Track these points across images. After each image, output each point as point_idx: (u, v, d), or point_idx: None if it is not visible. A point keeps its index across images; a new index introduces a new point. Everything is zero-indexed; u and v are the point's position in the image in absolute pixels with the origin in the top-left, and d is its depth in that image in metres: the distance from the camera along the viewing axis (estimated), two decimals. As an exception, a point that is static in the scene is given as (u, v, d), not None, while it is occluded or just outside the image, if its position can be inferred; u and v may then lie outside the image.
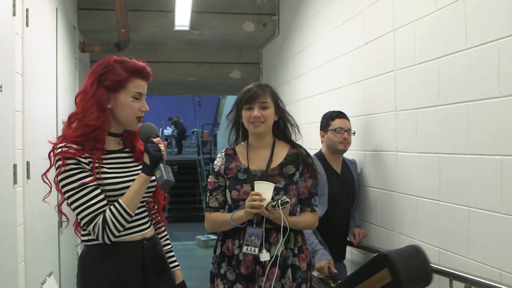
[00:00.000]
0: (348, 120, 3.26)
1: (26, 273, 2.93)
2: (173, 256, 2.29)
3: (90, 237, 1.98)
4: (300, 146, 2.51)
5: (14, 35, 2.78)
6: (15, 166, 2.73)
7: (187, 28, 5.46)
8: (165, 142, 2.05)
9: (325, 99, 4.10)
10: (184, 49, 6.48)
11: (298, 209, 2.49)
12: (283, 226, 2.27)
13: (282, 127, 2.51)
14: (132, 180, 1.99)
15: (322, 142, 3.30)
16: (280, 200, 2.23)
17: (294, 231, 2.41)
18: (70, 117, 2.03)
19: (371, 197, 3.27)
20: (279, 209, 2.22)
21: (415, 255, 2.34)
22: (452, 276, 2.34)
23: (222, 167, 2.48)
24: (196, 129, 19.30)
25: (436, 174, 2.54)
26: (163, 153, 1.97)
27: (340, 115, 3.26)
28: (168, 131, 19.67)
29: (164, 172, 1.92)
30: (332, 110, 3.34)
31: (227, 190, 2.45)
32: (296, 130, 2.53)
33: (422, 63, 2.66)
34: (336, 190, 3.16)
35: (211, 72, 6.70)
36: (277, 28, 5.65)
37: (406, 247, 2.53)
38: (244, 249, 2.32)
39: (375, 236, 3.20)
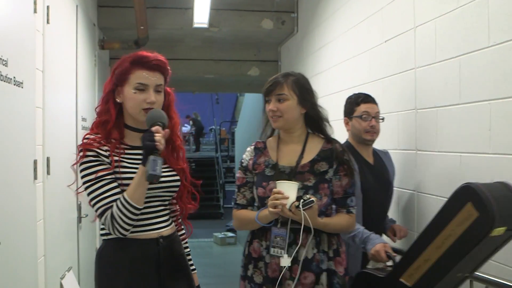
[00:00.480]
0: (376, 104, 2.87)
1: (46, 267, 2.96)
2: (190, 259, 2.26)
3: (107, 231, 1.99)
4: (336, 141, 2.32)
5: (35, 32, 2.81)
6: (35, 162, 2.75)
7: (205, 26, 5.47)
8: (166, 130, 1.94)
9: (344, 97, 4.05)
10: (202, 46, 6.49)
11: (334, 210, 2.31)
12: (309, 228, 2.10)
13: (315, 120, 2.31)
14: None
15: (347, 130, 2.93)
16: (302, 200, 2.07)
17: (328, 233, 2.24)
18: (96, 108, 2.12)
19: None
20: (302, 210, 2.06)
21: (504, 189, 1.86)
22: (472, 277, 2.31)
23: (251, 162, 2.34)
24: (214, 127, 19.36)
25: (457, 173, 2.51)
26: (157, 143, 1.85)
27: (367, 98, 2.86)
28: (186, 128, 19.76)
29: (151, 165, 1.82)
30: (357, 93, 2.97)
31: (254, 187, 2.31)
32: (328, 125, 2.33)
33: (443, 61, 2.62)
34: (369, 182, 2.78)
35: (229, 70, 6.70)
36: (295, 25, 5.63)
37: (491, 182, 2.03)
38: (271, 251, 2.19)
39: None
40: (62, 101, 3.51)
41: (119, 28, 5.49)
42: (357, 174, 2.57)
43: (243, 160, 2.38)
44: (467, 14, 2.42)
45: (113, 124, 2.00)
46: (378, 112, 2.84)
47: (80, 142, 2.01)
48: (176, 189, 2.09)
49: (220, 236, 10.17)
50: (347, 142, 2.89)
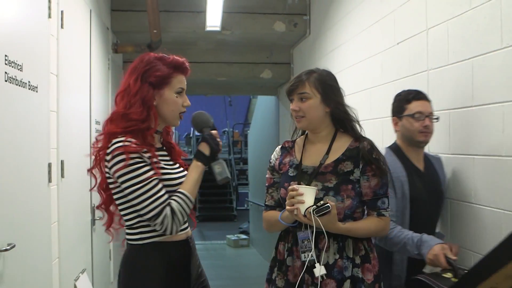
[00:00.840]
0: (429, 101, 2.60)
1: (60, 269, 2.99)
2: None
3: (141, 236, 1.98)
4: (365, 139, 2.17)
5: (49, 37, 2.84)
6: (49, 165, 2.79)
7: (218, 29, 5.49)
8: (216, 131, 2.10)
9: (356, 99, 4.06)
10: (215, 49, 6.51)
11: (365, 214, 2.19)
12: (331, 232, 2.02)
13: (341, 118, 2.20)
14: (180, 177, 2.04)
15: (396, 131, 2.66)
16: (315, 206, 1.95)
17: (354, 238, 2.10)
18: (111, 115, 2.04)
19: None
20: (314, 216, 1.95)
21: None
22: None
23: (277, 161, 2.28)
24: (227, 129, 19.39)
25: (470, 175, 2.49)
26: (220, 147, 2.04)
27: (419, 95, 2.59)
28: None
29: (224, 169, 2.00)
30: (407, 89, 2.69)
31: (279, 187, 2.24)
32: (355, 123, 2.21)
33: (455, 63, 2.61)
34: (419, 191, 2.50)
35: (242, 72, 6.72)
36: (308, 28, 5.63)
37: None
38: (302, 257, 2.06)
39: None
40: (76, 104, 3.55)
41: (132, 32, 5.53)
42: (406, 182, 2.46)
43: (271, 160, 2.32)
44: (480, 16, 2.41)
45: (153, 131, 2.02)
46: (431, 112, 2.58)
47: (118, 146, 1.92)
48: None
49: (233, 238, 10.19)
50: (395, 144, 2.66)
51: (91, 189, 2.14)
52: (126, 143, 1.91)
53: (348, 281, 2.05)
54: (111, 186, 2.00)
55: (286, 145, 2.31)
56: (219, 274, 7.29)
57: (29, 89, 2.45)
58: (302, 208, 1.98)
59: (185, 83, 2.08)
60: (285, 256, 2.16)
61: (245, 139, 17.55)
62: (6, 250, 2.10)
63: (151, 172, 1.93)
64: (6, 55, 2.18)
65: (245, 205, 11.23)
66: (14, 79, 2.26)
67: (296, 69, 6.34)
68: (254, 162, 10.83)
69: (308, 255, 2.03)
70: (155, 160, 1.96)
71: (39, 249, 2.63)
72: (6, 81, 2.19)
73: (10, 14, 2.30)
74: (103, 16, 4.76)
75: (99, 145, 2.00)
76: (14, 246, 2.15)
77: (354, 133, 2.19)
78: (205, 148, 2.02)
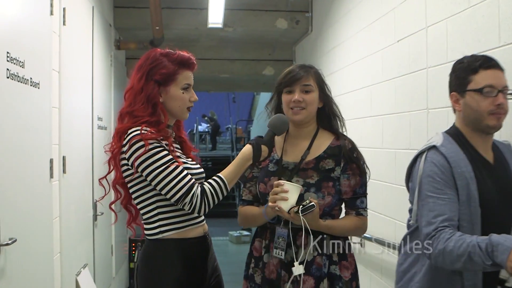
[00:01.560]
0: (503, 71, 1.93)
1: (62, 264, 3.02)
2: None
3: (160, 230, 2.00)
4: (346, 138, 2.18)
5: (51, 34, 2.87)
6: (51, 161, 2.81)
7: (220, 26, 5.50)
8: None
9: (357, 96, 4.08)
10: (217, 46, 6.53)
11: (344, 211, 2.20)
12: (307, 231, 1.99)
13: (327, 116, 2.20)
14: (197, 169, 2.07)
15: (455, 111, 2.02)
16: (301, 206, 1.95)
17: (332, 235, 2.10)
18: (119, 115, 2.07)
19: (402, 195, 3.24)
20: (301, 215, 1.94)
21: None
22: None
23: None
24: (230, 126, 19.41)
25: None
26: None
27: (489, 63, 1.91)
28: (202, 127, 19.84)
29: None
30: (472, 55, 2.01)
31: (257, 182, 2.23)
32: (340, 123, 2.23)
33: (454, 60, 2.61)
34: (489, 191, 1.87)
35: (244, 69, 6.74)
36: (310, 25, 5.64)
37: None
38: (274, 252, 2.09)
39: (403, 235, 3.17)
40: (78, 101, 3.58)
41: (135, 29, 5.55)
42: (472, 179, 1.84)
43: None
44: (478, 14, 2.42)
45: (165, 124, 2.04)
46: (506, 86, 1.91)
47: (135, 134, 1.94)
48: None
49: (235, 234, 10.20)
50: (454, 128, 2.02)
51: (110, 204, 2.19)
52: (143, 131, 1.93)
53: (326, 279, 2.06)
54: (128, 179, 2.00)
55: None
56: (222, 270, 7.31)
57: (31, 85, 2.48)
58: (285, 205, 1.97)
59: (192, 79, 2.10)
60: (262, 253, 2.17)
61: (249, 136, 17.56)
62: (7, 244, 2.13)
63: (171, 157, 1.95)
64: (8, 52, 2.21)
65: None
66: (16, 75, 2.29)
67: (298, 66, 6.35)
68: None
69: (278, 252, 2.07)
70: (172, 148, 1.99)
71: (40, 244, 2.66)
72: (8, 77, 2.21)
73: (12, 11, 2.32)
74: (105, 13, 4.78)
75: (111, 145, 2.02)
76: (15, 241, 2.18)
77: (336, 131, 2.21)
78: (265, 153, 2.06)
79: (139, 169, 1.93)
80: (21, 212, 2.37)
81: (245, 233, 10.33)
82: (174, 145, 2.08)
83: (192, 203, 1.92)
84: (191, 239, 2.03)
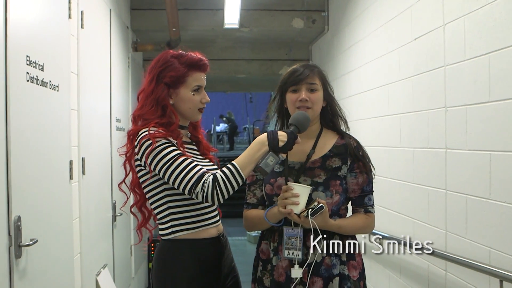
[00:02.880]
0: None
1: (82, 264, 3.05)
2: None
3: (172, 230, 2.01)
4: (350, 137, 2.19)
5: (69, 37, 2.90)
6: (71, 162, 2.84)
7: (236, 26, 5.52)
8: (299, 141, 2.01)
9: (374, 95, 4.06)
10: (233, 46, 6.55)
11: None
12: (317, 233, 1.96)
13: (330, 115, 2.19)
14: (210, 168, 2.05)
15: None
16: (310, 209, 1.93)
17: (341, 235, 2.08)
18: (133, 116, 2.10)
19: (420, 194, 3.22)
20: (311, 219, 1.92)
21: None
22: (502, 277, 2.29)
23: None
24: (247, 126, 19.42)
25: (487, 172, 2.48)
26: (289, 149, 1.95)
27: None
28: (221, 127, 19.89)
29: (272, 166, 1.91)
30: None
31: (262, 184, 2.19)
32: (343, 123, 2.21)
33: (472, 58, 2.60)
34: None
35: (261, 69, 6.74)
36: (326, 24, 5.63)
37: None
38: (285, 253, 2.03)
39: (422, 234, 3.16)
40: (96, 103, 3.61)
41: (152, 30, 5.59)
42: None
43: None
44: (496, 10, 2.39)
45: (177, 126, 2.05)
46: None
47: (143, 134, 1.97)
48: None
49: (253, 234, 10.18)
50: None
51: (131, 207, 2.18)
52: (151, 131, 1.95)
53: (337, 278, 2.03)
54: (141, 180, 2.03)
55: None
56: (240, 270, 7.31)
57: (50, 88, 2.51)
58: (296, 209, 1.94)
59: (203, 80, 2.09)
60: (271, 256, 2.12)
61: (266, 136, 17.52)
62: (28, 245, 2.16)
63: (180, 151, 1.95)
64: (27, 56, 2.24)
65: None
66: (35, 79, 2.32)
67: (315, 66, 6.34)
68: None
69: (293, 253, 2.01)
70: (181, 149, 1.99)
71: (61, 245, 2.69)
72: (28, 81, 2.24)
73: (31, 15, 2.35)
74: (122, 15, 4.82)
75: (125, 148, 2.06)
76: (36, 242, 2.21)
77: (339, 130, 2.20)
78: (283, 137, 1.93)
79: (152, 167, 1.95)
80: (41, 213, 2.40)
81: (254, 234, 10.33)
82: (189, 146, 2.10)
83: (204, 191, 1.87)
84: (204, 239, 2.03)
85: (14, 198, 2.07)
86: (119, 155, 2.11)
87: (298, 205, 1.94)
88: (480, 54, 2.52)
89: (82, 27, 3.14)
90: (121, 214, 4.17)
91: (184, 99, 2.06)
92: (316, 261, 2.03)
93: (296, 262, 2.00)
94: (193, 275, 2.01)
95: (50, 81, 2.50)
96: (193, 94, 2.06)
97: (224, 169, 1.92)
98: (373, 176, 2.16)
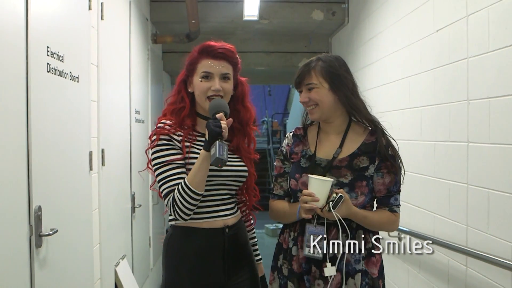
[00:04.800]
0: None
1: (101, 255, 3.07)
2: (256, 250, 2.30)
3: (173, 217, 2.04)
4: (382, 133, 2.07)
5: (89, 28, 2.91)
6: (90, 153, 2.86)
7: (256, 18, 5.49)
8: (230, 119, 1.96)
9: (394, 88, 4.01)
10: (253, 38, 6.52)
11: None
12: (343, 227, 1.93)
13: (348, 107, 2.06)
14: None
15: None
16: (331, 202, 1.88)
17: (364, 229, 2.03)
18: (166, 99, 2.20)
19: (441, 188, 3.18)
20: (334, 212, 1.87)
21: None
22: None
23: (288, 149, 2.16)
24: (266, 119, 19.40)
25: (510, 165, 2.43)
26: (223, 130, 1.88)
27: None
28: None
29: (218, 150, 1.84)
30: None
31: (288, 177, 2.13)
32: (365, 114, 2.09)
33: (496, 50, 2.54)
34: None
35: (280, 62, 6.71)
36: (346, 16, 5.57)
37: None
38: (306, 251, 1.99)
39: (442, 229, 3.12)
40: (116, 94, 3.63)
41: (171, 22, 5.59)
42: None
43: (282, 147, 2.20)
44: (522, 1, 2.34)
45: (187, 112, 2.07)
46: None
47: (152, 128, 2.11)
48: (244, 179, 2.13)
49: (271, 227, 10.21)
50: None
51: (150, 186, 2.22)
52: (160, 125, 2.03)
53: (359, 274, 1.99)
54: None
55: (298, 133, 2.18)
56: (257, 263, 7.32)
57: (70, 79, 2.52)
58: (318, 204, 1.91)
59: (214, 67, 2.03)
60: (290, 245, 2.10)
61: (284, 129, 17.52)
62: (49, 235, 2.18)
63: (175, 156, 1.99)
64: (48, 47, 2.25)
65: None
66: (56, 70, 2.33)
67: (335, 58, 6.28)
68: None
69: (314, 251, 1.96)
70: (187, 144, 2.01)
71: (80, 235, 2.71)
72: (48, 72, 2.26)
73: (52, 7, 2.36)
74: (142, 7, 4.83)
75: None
76: (56, 231, 2.23)
77: (370, 124, 2.09)
78: (206, 133, 1.92)
79: (151, 159, 2.04)
80: (61, 204, 2.42)
81: (281, 226, 10.34)
82: (202, 139, 2.06)
83: (169, 207, 1.98)
84: (205, 229, 2.03)
85: (35, 188, 2.09)
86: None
87: (319, 201, 1.90)
88: (505, 45, 2.46)
89: (102, 18, 3.15)
90: (140, 205, 4.20)
91: (195, 86, 2.08)
92: (336, 255, 1.98)
93: (328, 260, 1.95)
94: (192, 262, 2.02)
95: (70, 72, 2.51)
96: (201, 81, 2.05)
97: (179, 186, 1.94)
98: (402, 175, 2.08)
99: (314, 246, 1.96)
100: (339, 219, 1.89)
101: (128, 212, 3.93)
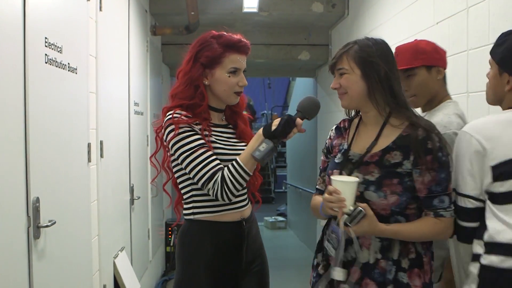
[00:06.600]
0: None
1: (100, 247, 3.08)
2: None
3: (193, 211, 2.03)
4: (422, 125, 1.80)
5: (88, 20, 2.89)
6: (89, 145, 2.86)
7: (255, 10, 5.46)
8: (295, 129, 1.94)
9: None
10: (252, 31, 6.49)
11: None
12: (357, 243, 1.76)
13: (385, 96, 1.83)
14: (236, 155, 2.01)
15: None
16: (347, 217, 1.69)
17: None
18: (170, 94, 2.12)
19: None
20: (350, 228, 1.69)
21: None
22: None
23: (329, 142, 2.03)
24: (265, 111, 19.38)
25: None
26: (288, 136, 1.92)
27: None
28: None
29: (265, 152, 1.88)
30: None
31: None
32: (403, 105, 1.84)
33: (496, 42, 2.53)
34: None
35: (280, 54, 6.68)
36: (346, 8, 5.54)
37: None
38: (325, 244, 1.87)
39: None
40: (114, 86, 3.62)
41: (170, 14, 5.56)
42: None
43: (326, 140, 2.05)
44: (523, -7, 2.33)
45: (205, 108, 2.04)
46: None
47: (167, 118, 2.00)
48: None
49: (270, 220, 10.22)
50: None
51: (163, 185, 2.19)
52: (176, 115, 1.97)
53: (392, 285, 1.77)
54: (171, 159, 2.06)
55: (341, 125, 2.01)
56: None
57: (68, 70, 2.51)
58: (344, 207, 1.72)
59: (241, 62, 2.05)
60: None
61: (284, 122, 17.49)
62: (47, 226, 2.18)
63: (202, 141, 1.96)
64: (46, 38, 2.24)
65: (283, 188, 11.24)
66: (54, 61, 2.32)
67: (335, 51, 6.22)
68: (292, 144, 10.81)
69: (330, 246, 1.83)
70: (206, 133, 1.99)
71: (79, 227, 2.71)
72: (46, 62, 2.25)
73: (49, -3, 2.35)
74: (141, -1, 4.81)
75: (158, 126, 2.08)
76: (55, 223, 2.23)
77: (412, 116, 1.84)
78: (275, 123, 1.92)
79: (173, 152, 1.98)
80: (59, 195, 2.42)
81: (280, 219, 10.35)
82: (221, 129, 2.08)
83: (214, 190, 1.93)
84: (223, 223, 2.03)
85: (33, 180, 2.08)
86: (154, 129, 2.13)
87: (346, 202, 1.72)
88: (505, 38, 2.45)
89: (100, 9, 3.14)
90: (139, 197, 4.20)
91: (219, 80, 2.04)
92: (369, 261, 1.79)
93: (338, 263, 1.77)
94: (210, 257, 2.01)
95: (68, 64, 2.50)
96: (229, 76, 2.03)
97: (230, 166, 1.93)
98: (451, 172, 1.80)
99: (331, 241, 1.83)
100: (354, 237, 1.73)
101: (127, 204, 3.93)
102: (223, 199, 1.94)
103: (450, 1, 3.01)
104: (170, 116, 1.98)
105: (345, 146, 1.91)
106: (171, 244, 5.89)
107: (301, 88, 9.58)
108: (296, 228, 9.59)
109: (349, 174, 1.82)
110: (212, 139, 2.02)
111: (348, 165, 1.85)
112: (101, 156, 3.13)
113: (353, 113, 2.01)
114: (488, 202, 1.72)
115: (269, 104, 20.10)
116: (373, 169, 1.79)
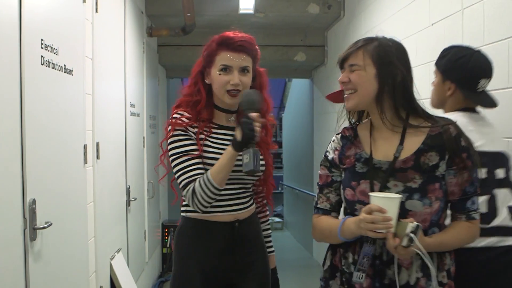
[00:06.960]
0: None
1: (96, 248, 3.07)
2: (269, 241, 2.29)
3: (187, 208, 2.06)
4: (448, 121, 1.69)
5: (84, 21, 2.89)
6: (85, 147, 2.86)
7: (251, 11, 5.47)
8: (263, 119, 1.93)
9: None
10: (248, 32, 6.39)
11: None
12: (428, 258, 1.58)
13: (398, 96, 1.68)
14: None
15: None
16: (408, 238, 1.52)
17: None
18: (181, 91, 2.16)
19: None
20: (413, 245, 1.53)
21: None
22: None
23: (337, 154, 1.79)
24: (261, 113, 19.38)
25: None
26: (256, 134, 1.84)
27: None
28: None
29: (253, 161, 1.82)
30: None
31: (341, 187, 1.78)
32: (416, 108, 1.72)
33: (491, 43, 2.55)
34: None
35: (276, 55, 6.69)
36: (342, 10, 5.56)
37: None
38: (354, 275, 1.64)
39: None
40: (111, 87, 3.61)
41: (167, 15, 5.56)
42: None
43: (327, 153, 1.83)
44: (517, -6, 2.34)
45: (204, 105, 2.04)
46: None
47: (168, 118, 2.05)
48: (261, 173, 2.09)
49: (276, 220, 10.25)
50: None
51: (170, 181, 2.17)
52: (176, 116, 2.01)
53: None
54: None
55: (348, 134, 1.81)
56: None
57: (64, 72, 2.51)
58: (391, 227, 1.55)
59: (233, 60, 1.98)
60: (352, 269, 1.70)
61: (280, 123, 17.51)
62: (43, 228, 2.18)
63: (191, 147, 1.97)
64: (42, 39, 2.24)
65: (279, 189, 11.26)
66: (50, 62, 2.32)
67: (331, 52, 6.28)
68: (288, 145, 10.83)
69: (360, 275, 1.63)
70: (201, 136, 2.00)
71: (75, 228, 2.71)
72: (42, 64, 2.25)
73: (45, -1, 2.35)
74: (137, 0, 4.80)
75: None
76: (51, 225, 2.22)
77: (427, 115, 1.73)
78: (238, 133, 1.87)
79: (168, 150, 2.03)
80: (56, 197, 2.42)
81: (277, 220, 10.36)
82: (223, 131, 2.05)
83: (187, 198, 1.96)
84: (214, 223, 2.03)
85: (29, 182, 2.08)
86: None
87: (391, 222, 1.56)
88: (499, 39, 2.47)
89: (96, 11, 3.14)
90: (135, 199, 4.20)
91: (213, 79, 2.04)
92: (409, 282, 1.65)
93: (397, 284, 1.62)
94: (201, 255, 2.02)
95: (64, 65, 2.50)
96: (219, 74, 2.00)
97: (200, 179, 1.93)
98: (478, 171, 1.71)
99: (362, 268, 1.63)
100: (424, 254, 1.56)
101: (123, 205, 3.93)
102: (195, 208, 1.97)
103: (445, 2, 3.03)
104: (172, 116, 2.03)
105: (365, 154, 1.72)
106: (168, 245, 5.89)
107: (297, 89, 9.58)
108: (292, 229, 9.60)
109: (383, 184, 1.66)
110: (208, 142, 2.01)
111: (378, 174, 1.67)
112: (98, 157, 3.12)
113: (355, 118, 1.85)
114: None
115: (266, 105, 20.07)
116: (413, 175, 1.63)
